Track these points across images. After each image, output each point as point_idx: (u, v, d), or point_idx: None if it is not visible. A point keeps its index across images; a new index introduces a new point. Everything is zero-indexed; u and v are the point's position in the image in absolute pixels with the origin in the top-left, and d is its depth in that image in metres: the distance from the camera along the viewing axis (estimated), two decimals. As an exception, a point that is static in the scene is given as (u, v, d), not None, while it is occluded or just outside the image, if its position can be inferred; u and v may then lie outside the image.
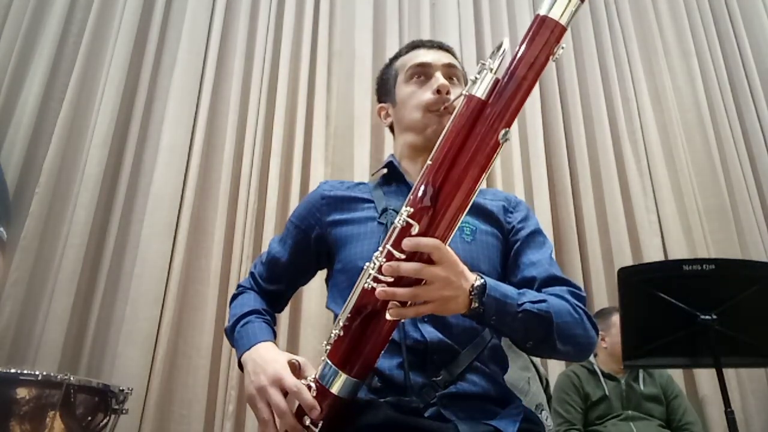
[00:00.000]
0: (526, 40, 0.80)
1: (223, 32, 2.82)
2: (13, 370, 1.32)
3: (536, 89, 3.11)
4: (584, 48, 3.32)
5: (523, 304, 0.85)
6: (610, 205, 2.96)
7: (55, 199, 2.36)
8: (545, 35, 0.79)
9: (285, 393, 0.83)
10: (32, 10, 2.60)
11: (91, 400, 1.41)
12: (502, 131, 0.78)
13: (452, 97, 1.05)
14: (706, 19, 3.47)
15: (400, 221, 0.77)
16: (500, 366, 1.01)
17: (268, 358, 0.90)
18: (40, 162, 2.35)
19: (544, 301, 0.88)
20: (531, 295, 0.88)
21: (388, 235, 0.79)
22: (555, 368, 2.49)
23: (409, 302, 0.77)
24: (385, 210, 1.03)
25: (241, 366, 0.97)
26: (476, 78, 0.81)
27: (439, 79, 1.07)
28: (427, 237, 0.76)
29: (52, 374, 1.33)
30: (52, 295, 2.19)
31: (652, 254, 2.83)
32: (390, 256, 0.76)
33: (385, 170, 1.14)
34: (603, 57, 3.31)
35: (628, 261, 2.77)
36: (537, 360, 1.83)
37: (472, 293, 0.80)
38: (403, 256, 0.76)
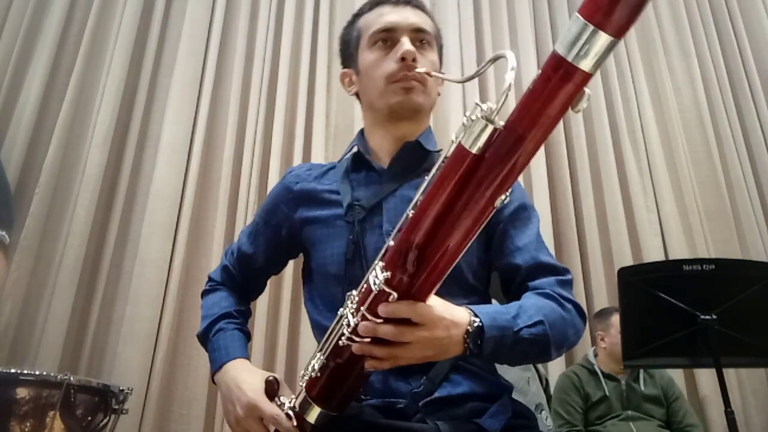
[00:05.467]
0: (539, 88, 0.60)
1: (223, 32, 2.82)
2: (13, 370, 1.32)
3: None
4: (584, 48, 3.32)
5: (519, 330, 0.79)
6: (610, 205, 2.95)
7: (55, 199, 2.36)
8: (565, 87, 0.59)
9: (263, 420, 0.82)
10: (32, 10, 2.60)
11: (91, 400, 1.41)
12: (501, 198, 0.66)
13: (419, 64, 0.94)
14: (706, 19, 3.46)
15: (376, 285, 0.69)
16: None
17: (241, 382, 0.87)
18: (40, 162, 2.36)
19: (540, 323, 0.81)
20: (525, 317, 0.81)
21: (361, 295, 0.72)
22: (555, 368, 2.49)
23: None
24: (351, 206, 0.96)
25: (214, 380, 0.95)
26: (471, 121, 0.64)
27: (405, 44, 0.94)
28: (407, 300, 0.69)
29: (52, 374, 1.33)
30: (52, 295, 2.19)
31: (652, 254, 2.82)
32: (365, 318, 0.71)
33: (355, 149, 1.04)
34: (603, 57, 3.31)
35: (628, 261, 2.77)
36: (537, 360, 1.82)
37: (468, 339, 0.75)
38: (380, 321, 0.70)
